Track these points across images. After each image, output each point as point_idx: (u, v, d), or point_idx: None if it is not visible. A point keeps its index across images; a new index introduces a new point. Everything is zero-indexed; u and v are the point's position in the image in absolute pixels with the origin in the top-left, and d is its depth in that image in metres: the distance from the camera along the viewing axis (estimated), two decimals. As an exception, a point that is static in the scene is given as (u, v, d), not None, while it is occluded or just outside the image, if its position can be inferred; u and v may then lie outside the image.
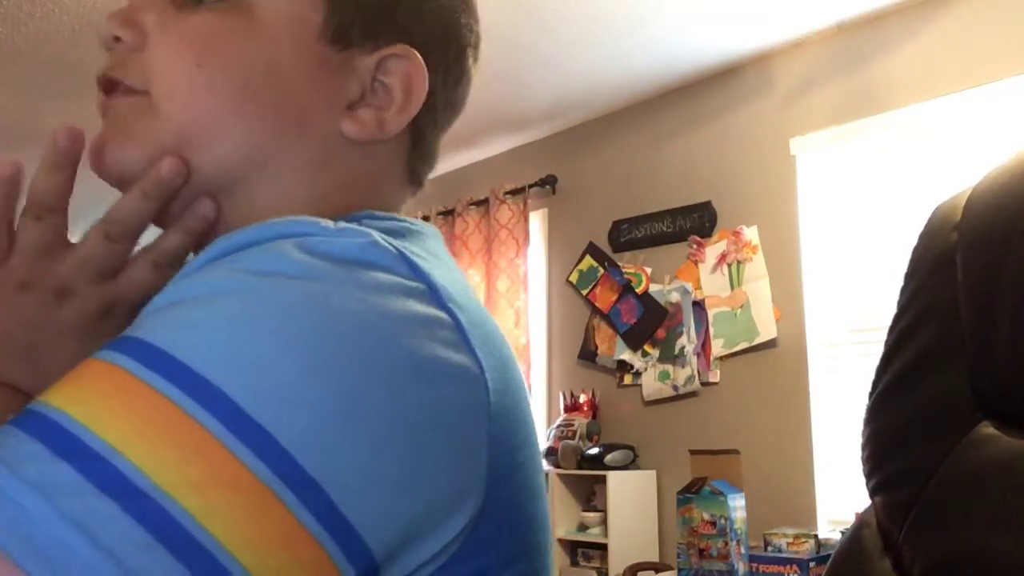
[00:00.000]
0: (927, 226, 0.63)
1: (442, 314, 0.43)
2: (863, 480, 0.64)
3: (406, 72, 0.55)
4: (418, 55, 0.55)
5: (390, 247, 0.43)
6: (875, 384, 0.64)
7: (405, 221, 0.53)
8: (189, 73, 0.51)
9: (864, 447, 0.64)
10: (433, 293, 0.43)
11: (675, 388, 3.53)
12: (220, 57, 0.51)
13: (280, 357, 0.37)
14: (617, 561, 3.35)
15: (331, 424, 0.37)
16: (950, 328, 0.59)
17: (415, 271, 0.43)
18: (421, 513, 0.40)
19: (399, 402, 0.39)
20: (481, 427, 0.43)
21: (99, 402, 0.36)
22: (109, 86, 0.54)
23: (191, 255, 0.54)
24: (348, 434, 0.37)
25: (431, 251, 0.50)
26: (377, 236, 0.44)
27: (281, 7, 0.53)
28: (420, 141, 0.59)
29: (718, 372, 3.43)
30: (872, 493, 0.63)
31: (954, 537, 0.56)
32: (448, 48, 0.58)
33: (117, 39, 0.53)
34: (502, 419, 0.44)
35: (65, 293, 0.50)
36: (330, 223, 0.44)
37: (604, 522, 3.44)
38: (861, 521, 0.65)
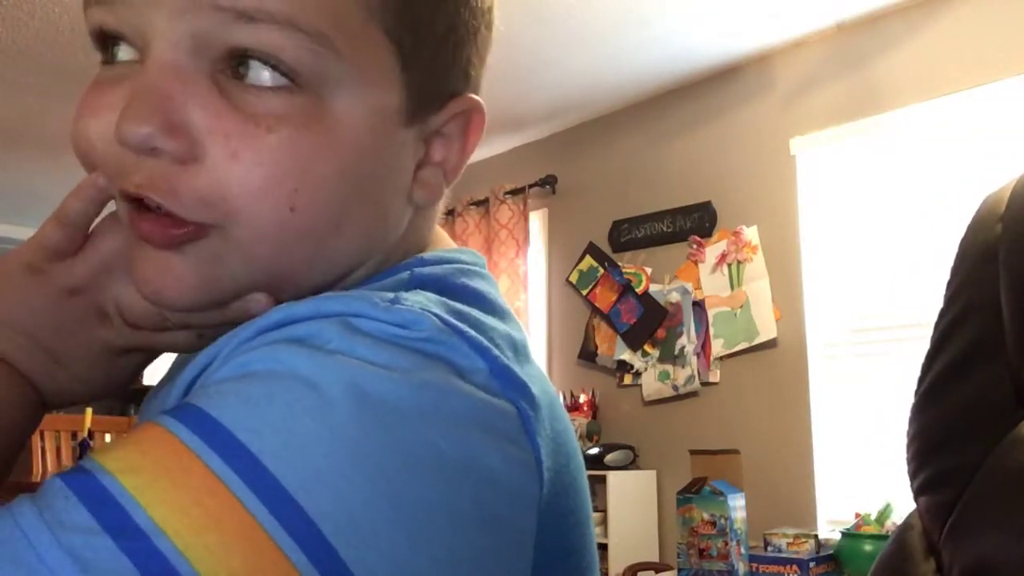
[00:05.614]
0: (975, 217, 0.62)
1: (503, 403, 0.42)
2: (908, 480, 0.62)
3: (466, 116, 0.51)
4: (477, 97, 0.51)
5: (448, 327, 0.42)
6: (921, 379, 0.62)
7: (455, 261, 0.50)
8: (281, 219, 0.43)
9: (909, 445, 0.62)
10: (496, 377, 0.42)
11: (675, 388, 3.53)
12: (314, 193, 0.44)
13: (335, 449, 0.36)
14: (617, 561, 3.35)
15: (378, 520, 0.36)
16: (992, 324, 0.57)
17: (480, 352, 0.42)
18: None
19: (447, 501, 0.38)
20: (530, 524, 0.42)
21: (152, 475, 0.35)
22: (142, 205, 0.44)
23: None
24: (393, 532, 0.36)
25: (483, 294, 0.48)
26: (433, 314, 0.42)
27: (361, 100, 0.45)
28: None
29: (718, 372, 3.43)
30: (916, 494, 0.62)
31: (991, 540, 0.54)
32: (487, 55, 0.54)
33: (155, 150, 0.41)
34: (554, 507, 0.44)
35: (106, 318, 0.50)
36: (387, 297, 0.42)
37: (604, 522, 3.44)
38: (906, 523, 0.64)
